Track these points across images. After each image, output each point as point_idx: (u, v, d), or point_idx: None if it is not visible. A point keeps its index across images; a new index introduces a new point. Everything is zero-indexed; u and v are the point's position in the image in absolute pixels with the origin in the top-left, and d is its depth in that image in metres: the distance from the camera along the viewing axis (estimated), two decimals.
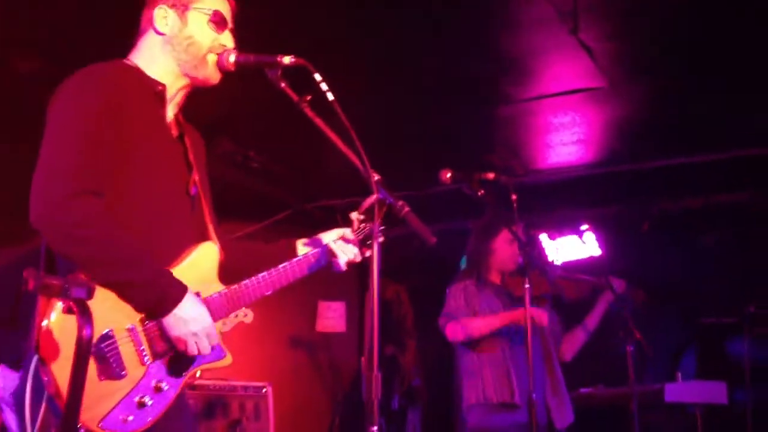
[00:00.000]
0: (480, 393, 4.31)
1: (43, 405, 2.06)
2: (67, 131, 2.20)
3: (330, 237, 2.72)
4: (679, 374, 5.31)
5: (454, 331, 4.41)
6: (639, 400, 4.47)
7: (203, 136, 2.70)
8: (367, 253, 2.70)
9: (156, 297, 2.20)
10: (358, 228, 2.70)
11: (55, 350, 2.04)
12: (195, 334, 2.25)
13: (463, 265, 4.72)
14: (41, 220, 2.12)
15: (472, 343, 4.40)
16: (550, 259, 6.09)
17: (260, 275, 2.51)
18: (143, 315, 2.23)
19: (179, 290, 2.24)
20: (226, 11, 2.53)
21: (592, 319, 4.63)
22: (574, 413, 4.48)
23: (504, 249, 4.54)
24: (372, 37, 4.43)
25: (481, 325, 4.35)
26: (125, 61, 2.47)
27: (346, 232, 2.71)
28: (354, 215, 2.67)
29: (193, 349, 2.26)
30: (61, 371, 2.00)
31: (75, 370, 1.78)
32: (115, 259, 2.15)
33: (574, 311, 4.77)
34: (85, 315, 1.76)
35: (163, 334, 2.24)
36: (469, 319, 4.40)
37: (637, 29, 4.36)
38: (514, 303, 4.44)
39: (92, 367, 2.08)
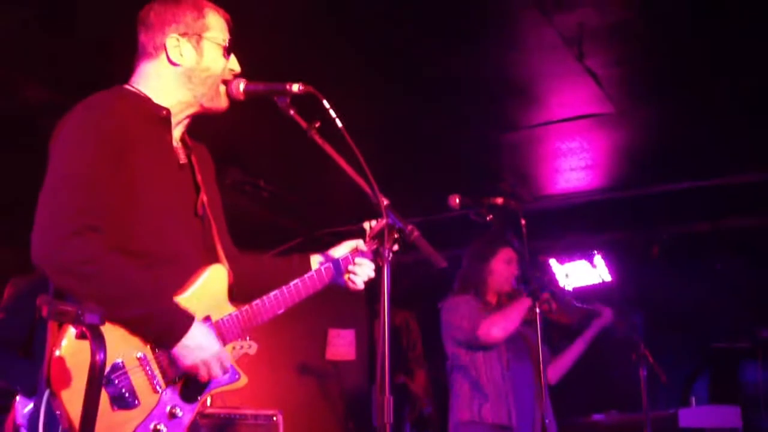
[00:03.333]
0: (475, 411, 4.22)
1: None
2: (67, 168, 2.20)
3: (342, 250, 2.67)
4: (693, 399, 5.27)
5: (493, 328, 4.16)
6: (652, 426, 4.43)
7: (213, 163, 2.70)
8: (381, 264, 2.67)
9: (162, 329, 2.20)
10: (372, 237, 2.63)
11: (66, 381, 2.03)
12: (205, 361, 2.24)
13: (457, 284, 4.65)
14: (44, 259, 2.11)
15: (473, 362, 4.32)
16: (560, 284, 6.07)
17: (272, 294, 2.48)
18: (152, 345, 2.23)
19: (185, 320, 2.23)
20: (228, 32, 2.51)
21: (579, 346, 4.56)
22: None
23: (502, 270, 4.48)
24: (380, 65, 4.48)
25: (514, 312, 4.19)
26: (126, 86, 2.44)
27: (359, 243, 2.67)
28: (366, 225, 2.64)
29: (204, 376, 2.26)
30: (73, 404, 1.99)
31: (88, 395, 1.78)
32: (120, 295, 2.14)
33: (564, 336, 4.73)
34: (98, 340, 1.76)
35: (174, 362, 2.24)
36: (502, 311, 4.26)
37: (643, 55, 4.39)
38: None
39: (105, 397, 2.08)
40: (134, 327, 2.18)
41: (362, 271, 2.64)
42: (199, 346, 2.23)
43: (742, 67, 4.43)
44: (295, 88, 2.38)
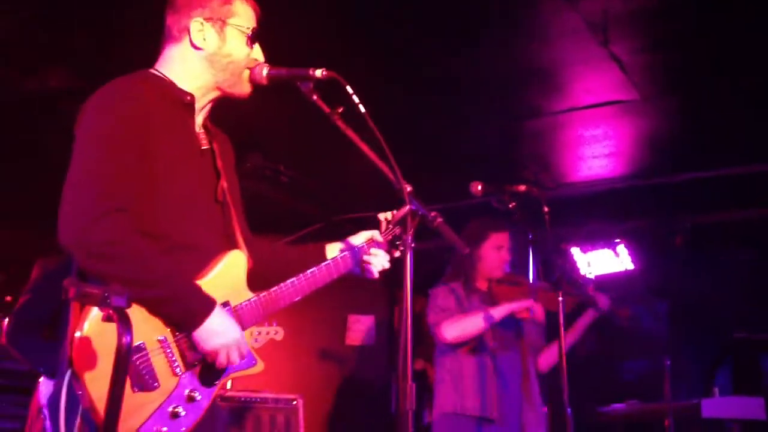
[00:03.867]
0: (458, 402, 4.17)
1: (78, 419, 2.08)
2: (92, 151, 2.21)
3: (359, 240, 2.70)
4: (716, 389, 5.23)
5: (448, 329, 4.19)
6: (674, 416, 4.40)
7: (233, 150, 2.71)
8: (396, 254, 2.68)
9: (185, 312, 2.22)
10: (387, 229, 2.69)
11: (89, 363, 2.05)
12: (225, 346, 2.26)
13: (449, 268, 4.61)
14: (71, 240, 2.13)
15: (457, 351, 4.27)
16: (581, 272, 6.04)
17: (289, 281, 2.50)
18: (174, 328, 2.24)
19: (207, 304, 2.25)
20: (255, 22, 2.53)
21: (573, 334, 4.47)
22: (547, 430, 4.39)
23: (491, 255, 4.42)
24: (402, 54, 4.46)
25: (479, 320, 4.16)
26: (151, 71, 2.46)
27: (375, 234, 2.70)
28: (382, 216, 2.68)
29: (223, 361, 2.27)
30: (96, 384, 2.02)
31: (114, 377, 1.79)
32: (145, 276, 2.16)
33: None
34: (125, 323, 1.77)
35: (194, 346, 2.26)
36: (464, 315, 4.22)
37: (669, 42, 4.33)
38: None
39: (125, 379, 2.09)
40: (157, 309, 2.20)
41: (377, 261, 2.67)
42: (219, 331, 2.24)
43: None
44: (318, 73, 2.38)
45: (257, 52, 2.52)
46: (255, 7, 2.55)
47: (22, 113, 5.02)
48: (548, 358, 4.49)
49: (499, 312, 4.17)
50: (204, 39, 2.44)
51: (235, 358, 2.29)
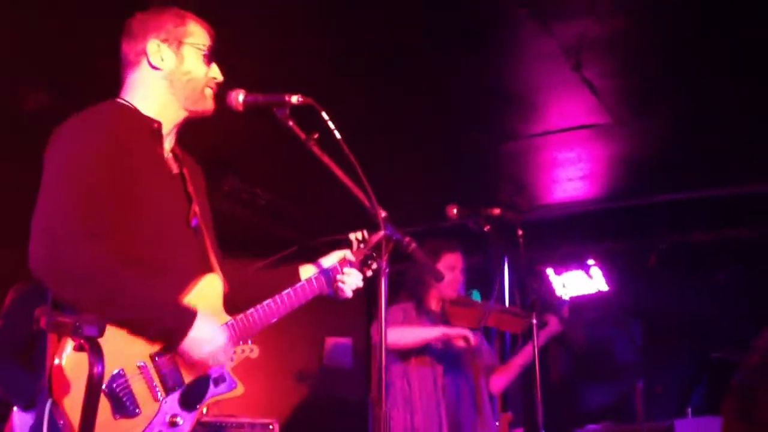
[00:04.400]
0: (408, 422, 4.12)
1: None
2: (63, 177, 2.21)
3: (331, 260, 2.72)
4: (689, 410, 5.26)
5: (374, 332, 4.14)
6: None
7: (210, 173, 2.72)
8: (368, 273, 2.71)
9: (169, 326, 2.22)
10: (358, 248, 2.71)
11: (68, 391, 2.04)
12: (212, 354, 2.29)
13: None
14: (42, 268, 2.12)
15: (407, 369, 4.23)
16: (558, 293, 6.07)
17: (265, 303, 2.51)
18: (158, 347, 2.24)
19: (189, 314, 2.26)
20: (210, 43, 2.55)
21: (523, 356, 4.40)
22: None
23: (445, 275, 4.42)
24: (378, 75, 4.49)
25: (415, 332, 4.13)
26: (118, 100, 2.48)
27: (347, 253, 2.71)
28: (353, 236, 2.70)
29: (215, 362, 2.32)
30: (76, 412, 1.99)
31: (86, 407, 1.78)
32: (123, 297, 2.16)
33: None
34: (96, 353, 1.76)
35: (177, 367, 2.26)
36: (402, 325, 4.19)
37: (640, 66, 4.40)
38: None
39: (106, 406, 2.08)
40: (139, 329, 2.20)
41: (350, 281, 2.68)
42: (206, 338, 2.27)
43: (740, 79, 4.44)
44: (294, 99, 2.40)
45: (215, 71, 2.55)
46: (209, 28, 2.58)
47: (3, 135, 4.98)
48: (501, 379, 4.45)
49: (432, 333, 4.13)
50: (162, 59, 2.46)
51: (223, 360, 2.34)
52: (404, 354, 4.23)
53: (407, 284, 4.45)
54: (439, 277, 2.38)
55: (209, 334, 2.28)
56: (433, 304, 4.40)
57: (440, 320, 4.33)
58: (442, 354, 4.26)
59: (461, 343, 4.14)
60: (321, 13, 3.94)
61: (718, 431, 5.12)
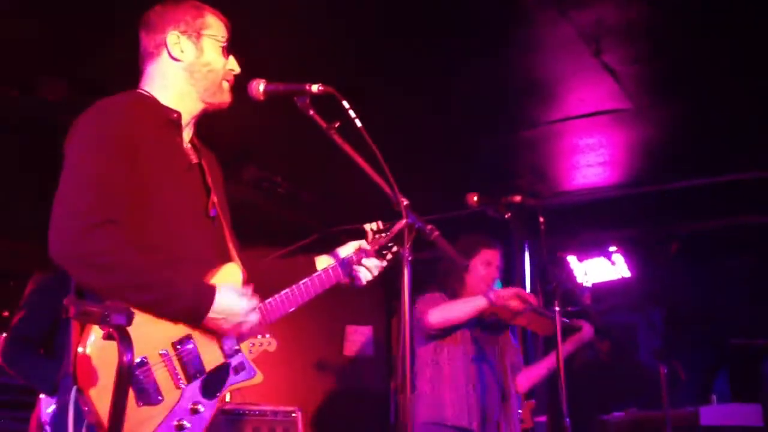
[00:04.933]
0: (436, 412, 4.13)
1: None
2: (83, 166, 2.24)
3: (347, 250, 2.74)
4: (714, 397, 5.24)
5: (433, 314, 4.11)
6: (673, 424, 4.40)
7: (230, 162, 2.74)
8: (384, 262, 2.73)
9: (190, 303, 2.24)
10: (373, 238, 2.72)
11: (93, 379, 2.07)
12: (240, 324, 2.32)
13: (497, 287, 4.61)
14: (63, 253, 2.15)
15: (438, 360, 4.25)
16: (578, 281, 6.05)
17: (283, 293, 2.54)
18: (181, 334, 2.26)
19: (209, 289, 2.29)
20: (227, 33, 2.58)
21: (551, 359, 4.39)
22: None
23: (480, 271, 4.41)
24: (398, 63, 4.48)
25: (462, 305, 4.12)
26: (138, 90, 2.50)
27: (362, 243, 2.73)
28: (368, 226, 2.72)
29: (246, 331, 2.36)
30: (101, 400, 2.03)
31: (116, 395, 1.80)
32: (144, 280, 2.18)
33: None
34: (125, 341, 1.78)
35: (198, 355, 2.27)
36: (450, 301, 4.19)
37: (661, 51, 4.36)
38: (483, 328, 4.33)
39: (130, 394, 2.10)
40: (163, 309, 2.22)
41: (366, 270, 2.71)
42: (229, 309, 2.29)
43: (760, 63, 4.39)
44: (315, 88, 2.41)
45: (232, 63, 2.57)
46: (225, 20, 2.60)
47: (18, 125, 5.03)
48: (527, 379, 4.47)
49: (481, 301, 4.09)
50: (182, 51, 2.48)
51: (254, 320, 2.36)
52: (436, 335, 4.23)
53: (439, 275, 4.46)
54: (463, 266, 2.38)
55: (235, 300, 2.31)
56: (465, 297, 4.41)
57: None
58: (474, 346, 4.27)
59: (515, 304, 4.07)
60: (332, 9, 3.94)
61: (742, 417, 5.11)
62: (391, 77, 4.62)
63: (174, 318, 2.24)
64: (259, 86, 2.51)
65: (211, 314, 2.26)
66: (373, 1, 3.90)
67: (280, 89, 2.49)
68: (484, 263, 4.37)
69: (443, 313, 4.14)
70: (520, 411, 4.54)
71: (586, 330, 4.37)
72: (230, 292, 2.32)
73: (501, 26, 4.12)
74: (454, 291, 4.38)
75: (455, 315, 4.13)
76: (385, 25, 4.13)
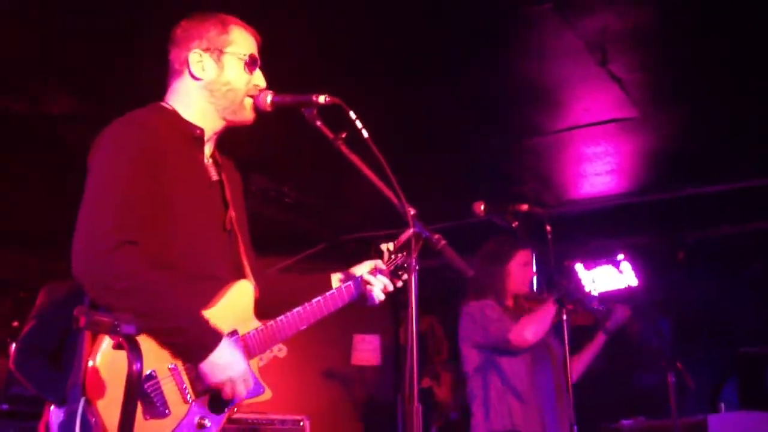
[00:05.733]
0: (507, 419, 4.17)
1: None
2: (104, 184, 2.26)
3: (362, 269, 2.74)
4: (723, 405, 5.21)
5: (526, 331, 4.09)
6: None
7: (241, 178, 2.75)
8: (399, 284, 2.73)
9: (192, 344, 2.25)
10: (389, 259, 2.72)
11: (101, 390, 2.08)
12: (231, 380, 2.29)
13: (475, 287, 4.61)
14: (82, 273, 2.18)
15: (496, 367, 4.26)
16: (587, 289, 6.03)
17: (295, 310, 2.55)
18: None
19: (214, 338, 2.28)
20: (255, 49, 2.58)
21: (595, 346, 4.49)
22: None
23: (519, 272, 4.46)
24: (403, 70, 4.49)
25: (544, 315, 4.12)
26: (162, 104, 2.52)
27: (378, 263, 2.73)
28: (384, 246, 2.72)
29: (228, 394, 2.31)
30: (108, 411, 2.05)
31: (126, 404, 1.82)
32: (154, 309, 2.19)
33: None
34: (135, 351, 1.80)
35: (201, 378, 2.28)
36: (532, 314, 4.18)
37: (667, 59, 4.36)
38: None
39: (138, 406, 2.11)
40: (165, 340, 2.23)
41: (378, 290, 2.70)
42: (225, 364, 2.28)
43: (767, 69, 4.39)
44: (322, 99, 2.42)
45: (258, 77, 2.56)
46: (254, 33, 2.60)
47: (29, 139, 5.06)
48: (574, 370, 4.48)
49: (551, 308, 4.13)
50: (203, 69, 2.50)
51: (241, 391, 2.32)
52: (493, 349, 4.25)
53: (474, 282, 4.47)
54: (469, 273, 2.39)
55: (229, 361, 2.28)
56: (508, 300, 4.45)
57: (515, 317, 4.34)
58: (531, 350, 4.29)
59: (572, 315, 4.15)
60: (338, 15, 3.95)
61: (751, 425, 5.08)
62: (394, 86, 4.63)
63: (174, 351, 2.24)
64: (266, 98, 2.52)
65: (205, 363, 2.25)
66: (376, 7, 3.90)
67: (287, 101, 2.51)
68: (522, 265, 4.44)
69: (536, 329, 4.15)
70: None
71: (621, 311, 4.41)
72: (231, 349, 2.31)
73: (506, 35, 4.13)
74: (497, 296, 4.40)
75: (544, 328, 4.17)
76: (388, 33, 4.14)
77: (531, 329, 4.14)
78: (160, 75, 2.60)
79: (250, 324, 2.47)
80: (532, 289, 4.44)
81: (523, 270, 4.45)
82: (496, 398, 4.21)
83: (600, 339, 4.52)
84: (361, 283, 2.69)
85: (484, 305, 4.35)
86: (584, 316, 4.46)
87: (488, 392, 4.26)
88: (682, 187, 5.96)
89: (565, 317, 3.77)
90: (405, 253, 2.67)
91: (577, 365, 4.52)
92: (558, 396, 4.31)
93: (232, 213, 2.54)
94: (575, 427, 3.63)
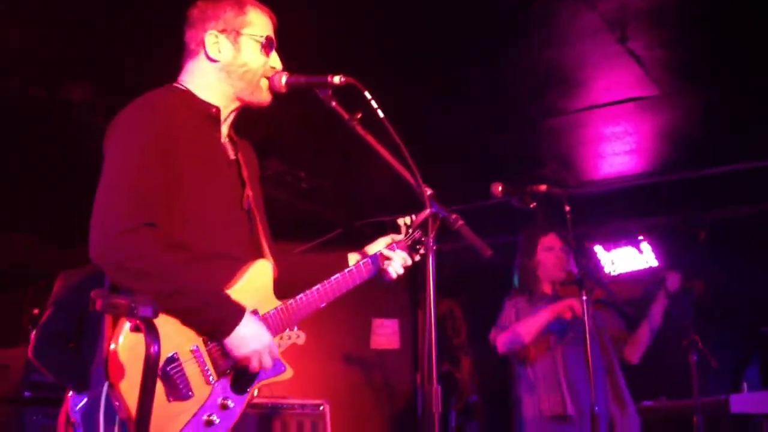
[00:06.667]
0: (536, 407, 4.25)
1: (116, 429, 2.10)
2: (120, 167, 2.25)
3: (379, 246, 2.74)
4: (745, 385, 5.17)
5: (504, 342, 4.34)
6: (704, 412, 4.36)
7: (257, 159, 2.74)
8: (417, 258, 2.72)
9: (216, 320, 2.25)
10: (407, 233, 2.71)
11: (124, 374, 2.08)
12: (257, 352, 2.29)
13: (516, 281, 4.67)
14: (100, 257, 2.18)
15: (527, 356, 4.33)
16: (606, 270, 5.99)
17: (314, 289, 2.54)
18: (206, 337, 2.27)
19: (238, 311, 2.28)
20: (271, 31, 2.56)
21: (653, 318, 4.49)
22: (640, 425, 4.38)
23: (546, 258, 4.47)
24: (422, 53, 4.46)
25: (528, 325, 4.27)
26: (176, 84, 2.51)
27: (394, 237, 2.73)
28: (401, 221, 2.71)
29: (255, 366, 2.31)
30: (131, 394, 2.04)
31: (143, 387, 1.82)
32: (174, 288, 2.19)
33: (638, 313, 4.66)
34: (152, 333, 1.79)
35: (226, 353, 2.28)
36: (515, 324, 4.35)
37: (687, 36, 4.30)
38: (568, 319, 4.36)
39: (160, 389, 2.12)
40: (188, 319, 2.23)
41: (396, 265, 2.70)
42: (251, 336, 2.28)
43: None
44: (337, 79, 2.39)
45: (274, 60, 2.55)
46: (271, 15, 2.59)
47: (47, 126, 5.08)
48: (636, 346, 4.51)
49: (542, 317, 4.26)
50: (219, 51, 2.48)
51: (268, 362, 2.33)
52: (509, 352, 4.39)
53: (519, 276, 4.55)
54: (487, 254, 2.37)
55: (254, 333, 2.29)
56: (546, 288, 4.46)
57: (553, 302, 4.39)
58: (560, 336, 4.32)
59: (568, 315, 4.23)
60: (344, 21, 3.93)
61: None
62: (413, 67, 4.60)
63: (197, 329, 2.25)
64: (281, 79, 2.50)
65: (231, 337, 2.25)
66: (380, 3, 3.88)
67: (301, 81, 2.48)
68: (546, 250, 4.44)
69: (508, 341, 4.33)
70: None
71: (672, 278, 4.40)
72: (255, 322, 2.31)
73: (525, 15, 4.08)
74: (531, 289, 4.46)
75: (525, 339, 4.30)
76: (411, 16, 4.10)
77: (502, 344, 4.34)
78: (175, 63, 2.59)
79: (269, 303, 2.46)
80: (569, 273, 4.39)
81: (549, 255, 4.45)
82: (527, 387, 4.33)
83: (660, 304, 4.50)
84: (379, 259, 2.68)
85: (507, 305, 4.50)
86: (629, 288, 4.45)
87: (521, 382, 4.37)
88: (702, 167, 5.89)
89: (585, 298, 3.73)
90: (415, 224, 2.67)
91: (643, 336, 4.51)
92: (610, 375, 4.34)
93: (249, 192, 2.54)
94: (596, 408, 3.61)
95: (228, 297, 2.30)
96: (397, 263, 2.69)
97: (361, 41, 4.22)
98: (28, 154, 5.48)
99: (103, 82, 4.56)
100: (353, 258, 2.76)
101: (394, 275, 2.70)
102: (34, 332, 3.86)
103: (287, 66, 2.58)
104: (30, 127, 5.07)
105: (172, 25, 2.63)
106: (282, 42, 2.60)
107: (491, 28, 4.20)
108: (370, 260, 2.68)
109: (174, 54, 2.59)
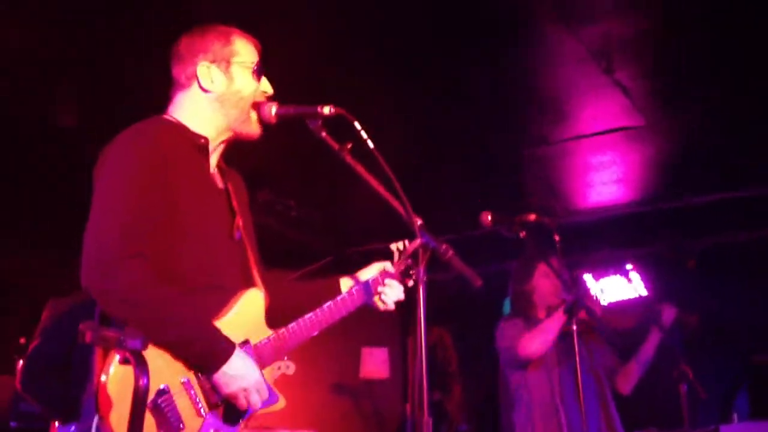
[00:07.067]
0: (530, 429, 4.22)
1: None
2: (111, 197, 2.25)
3: (371, 272, 2.73)
4: (735, 415, 5.16)
5: (526, 345, 4.20)
6: None
7: (246, 188, 2.74)
8: (410, 284, 2.70)
9: (205, 355, 2.24)
10: (399, 259, 2.70)
11: (113, 406, 2.06)
12: (245, 390, 2.28)
13: (506, 307, 4.67)
14: (91, 287, 2.18)
15: (524, 378, 4.29)
16: (595, 299, 6.00)
17: (306, 317, 2.53)
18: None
19: (226, 348, 2.27)
20: (257, 56, 2.58)
21: (646, 351, 4.48)
22: None
23: (543, 284, 4.48)
24: (408, 82, 4.49)
25: (542, 332, 4.18)
26: (164, 116, 2.51)
27: (387, 265, 2.72)
28: (394, 246, 2.70)
29: (243, 404, 2.29)
30: (121, 427, 2.02)
31: (132, 419, 1.80)
32: (164, 321, 2.19)
33: (629, 344, 4.65)
34: (141, 366, 1.78)
35: (215, 389, 2.27)
36: (535, 329, 4.25)
37: (671, 66, 4.35)
38: (563, 338, 4.34)
39: (151, 421, 2.10)
40: (178, 352, 2.22)
41: (392, 292, 2.69)
42: (239, 375, 2.26)
43: None
44: (326, 110, 2.40)
45: (265, 85, 2.57)
46: (255, 42, 2.61)
47: (44, 148, 5.06)
48: (627, 377, 4.48)
49: (556, 321, 4.16)
50: (212, 81, 2.49)
51: (255, 400, 2.31)
52: (522, 363, 4.31)
53: (512, 303, 4.50)
54: (477, 284, 2.36)
55: (242, 372, 2.27)
56: (541, 314, 4.45)
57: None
58: (559, 360, 4.29)
59: (582, 325, 4.14)
60: (344, 21, 3.95)
61: None
62: (413, 67, 4.57)
63: (186, 363, 2.23)
64: (271, 109, 2.51)
65: (219, 374, 2.24)
66: (380, 10, 3.89)
67: (291, 112, 2.49)
68: (543, 276, 4.43)
69: (541, 338, 4.21)
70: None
71: (667, 312, 4.38)
72: (244, 358, 2.30)
73: (510, 43, 4.13)
74: (526, 314, 4.42)
75: (549, 336, 4.19)
76: (393, 41, 4.13)
77: (536, 340, 4.21)
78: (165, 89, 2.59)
79: (261, 333, 2.45)
80: (563, 300, 4.39)
81: (546, 281, 4.44)
82: (524, 414, 4.28)
83: (654, 338, 4.46)
84: (372, 286, 2.67)
85: (506, 324, 4.44)
86: (624, 318, 4.43)
87: (519, 409, 4.31)
88: (690, 195, 5.93)
89: (575, 327, 3.73)
90: (406, 253, 2.66)
91: (635, 368, 4.48)
92: (602, 402, 4.31)
93: (239, 221, 2.54)
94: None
95: (218, 331, 2.28)
96: (391, 297, 2.68)
97: (361, 41, 4.20)
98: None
99: (103, 82, 4.55)
100: (345, 283, 2.75)
101: (391, 304, 2.69)
102: (21, 362, 3.82)
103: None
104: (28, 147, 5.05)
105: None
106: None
107: (491, 28, 4.21)
108: (362, 287, 2.67)
109: (164, 78, 2.60)
